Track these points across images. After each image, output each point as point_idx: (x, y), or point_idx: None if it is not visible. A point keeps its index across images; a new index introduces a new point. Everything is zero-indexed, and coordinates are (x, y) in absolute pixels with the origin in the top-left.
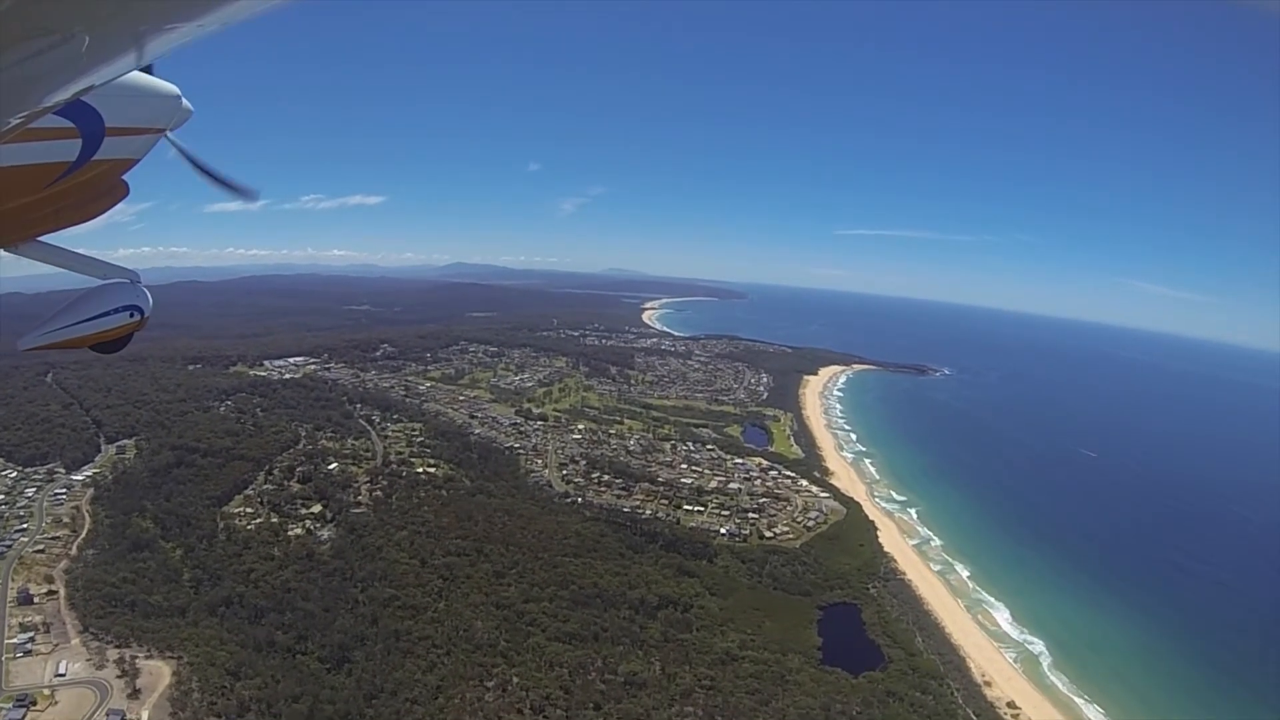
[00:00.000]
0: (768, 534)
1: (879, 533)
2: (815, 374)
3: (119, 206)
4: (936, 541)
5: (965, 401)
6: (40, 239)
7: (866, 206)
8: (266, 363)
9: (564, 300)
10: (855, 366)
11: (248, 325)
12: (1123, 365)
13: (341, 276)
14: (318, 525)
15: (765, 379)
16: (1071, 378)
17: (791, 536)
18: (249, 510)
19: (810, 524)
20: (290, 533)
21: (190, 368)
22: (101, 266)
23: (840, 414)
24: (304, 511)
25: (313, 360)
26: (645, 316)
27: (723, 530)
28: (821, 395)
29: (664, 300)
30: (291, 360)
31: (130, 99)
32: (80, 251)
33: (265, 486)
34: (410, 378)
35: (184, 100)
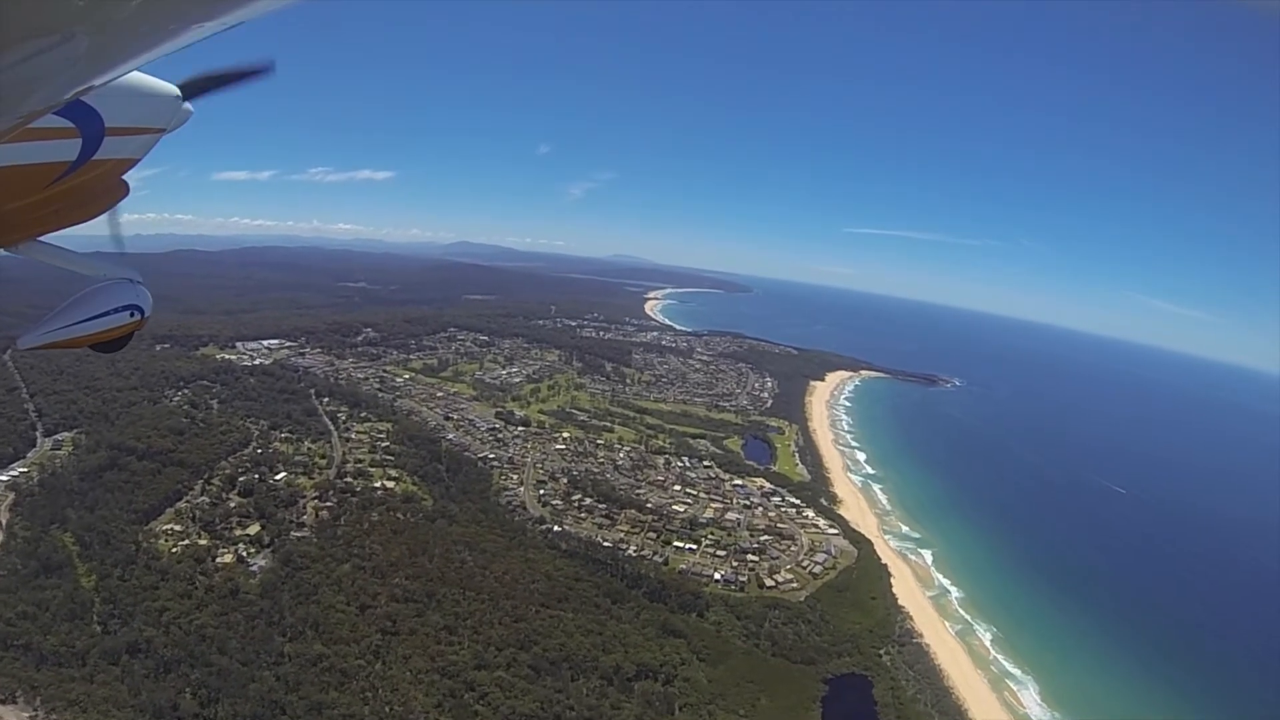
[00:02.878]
0: (768, 582)
1: (892, 581)
2: (822, 379)
3: None
4: (955, 593)
5: (977, 419)
6: (40, 239)
7: (874, 206)
8: (239, 345)
9: (566, 286)
10: (863, 373)
11: (235, 300)
12: (1134, 383)
13: (344, 251)
14: (251, 551)
15: (770, 383)
16: (1083, 395)
17: (796, 586)
18: (177, 529)
19: (817, 569)
20: (218, 560)
21: (158, 348)
22: (102, 266)
23: (848, 428)
24: (238, 533)
25: (288, 344)
26: (647, 307)
27: (717, 575)
28: (829, 405)
29: (668, 290)
30: (265, 343)
31: (130, 99)
32: (80, 252)
33: (201, 499)
34: (389, 368)
35: (184, 100)
